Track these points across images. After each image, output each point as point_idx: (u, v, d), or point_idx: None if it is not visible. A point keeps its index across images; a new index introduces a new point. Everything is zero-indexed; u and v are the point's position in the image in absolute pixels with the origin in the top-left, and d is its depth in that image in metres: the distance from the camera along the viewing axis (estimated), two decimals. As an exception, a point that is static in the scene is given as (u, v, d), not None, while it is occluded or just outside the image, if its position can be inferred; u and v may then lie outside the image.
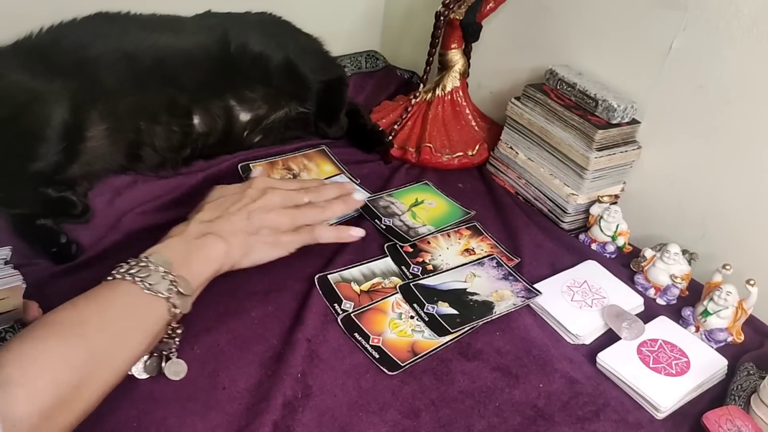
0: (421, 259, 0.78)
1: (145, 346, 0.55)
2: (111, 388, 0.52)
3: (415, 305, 0.71)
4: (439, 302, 0.71)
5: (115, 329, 0.52)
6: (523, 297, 0.74)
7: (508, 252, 0.82)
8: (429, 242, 0.81)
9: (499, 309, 0.71)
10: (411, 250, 0.80)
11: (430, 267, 0.77)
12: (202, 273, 0.61)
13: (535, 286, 0.76)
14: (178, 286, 0.57)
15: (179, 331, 0.60)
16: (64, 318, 0.51)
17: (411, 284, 0.73)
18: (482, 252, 0.81)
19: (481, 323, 0.69)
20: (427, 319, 0.69)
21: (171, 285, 0.56)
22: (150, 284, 0.55)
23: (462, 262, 0.79)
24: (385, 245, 0.80)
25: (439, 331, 0.68)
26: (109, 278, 0.55)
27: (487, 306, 0.72)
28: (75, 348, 0.48)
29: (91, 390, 0.49)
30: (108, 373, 0.51)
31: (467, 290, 0.74)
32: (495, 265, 0.78)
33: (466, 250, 0.81)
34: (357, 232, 0.76)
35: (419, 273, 0.76)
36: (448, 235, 0.83)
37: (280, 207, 0.71)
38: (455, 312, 0.70)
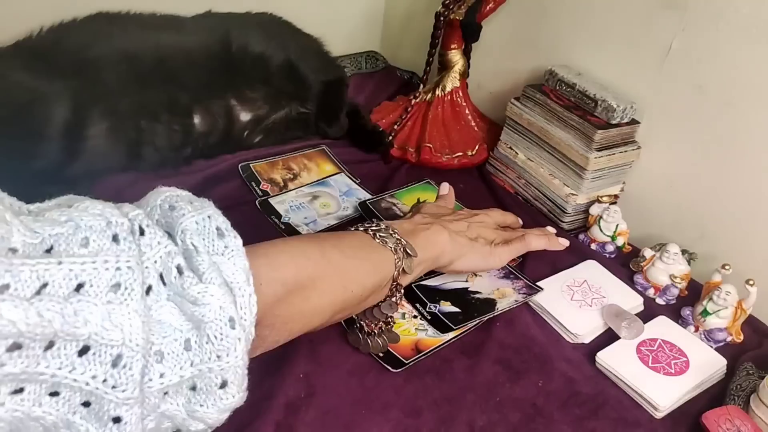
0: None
1: (373, 281, 0.58)
2: (341, 304, 0.55)
3: (417, 305, 0.71)
4: (441, 301, 0.71)
5: (348, 252, 0.56)
6: (524, 293, 0.74)
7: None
8: None
9: (501, 305, 0.72)
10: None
11: None
12: (425, 249, 0.64)
13: (541, 287, 0.76)
14: (405, 246, 0.60)
15: (402, 291, 0.63)
16: (305, 236, 0.61)
17: (413, 285, 0.73)
18: None
19: (485, 319, 0.70)
20: (429, 317, 0.69)
21: (398, 243, 0.60)
22: (381, 236, 0.60)
23: None
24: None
25: (442, 328, 0.68)
26: (351, 228, 0.61)
27: (490, 303, 0.72)
28: (312, 247, 0.53)
29: (325, 289, 0.53)
30: (339, 280, 0.54)
31: (469, 289, 0.74)
32: None
33: None
34: (564, 242, 0.81)
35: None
36: None
37: (493, 227, 0.75)
38: (458, 310, 0.71)
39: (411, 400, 0.60)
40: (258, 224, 0.82)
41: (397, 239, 0.61)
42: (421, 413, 0.59)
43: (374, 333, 0.63)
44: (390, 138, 1.02)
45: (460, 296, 0.73)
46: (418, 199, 0.90)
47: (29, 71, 0.78)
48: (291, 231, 0.81)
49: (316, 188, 0.90)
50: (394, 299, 0.62)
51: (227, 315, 0.40)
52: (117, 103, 0.82)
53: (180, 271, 0.40)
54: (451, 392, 0.62)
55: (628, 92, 0.87)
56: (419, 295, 0.72)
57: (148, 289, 0.39)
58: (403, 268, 0.60)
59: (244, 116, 0.94)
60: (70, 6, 0.86)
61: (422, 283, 0.74)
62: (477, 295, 0.73)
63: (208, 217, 0.44)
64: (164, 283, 0.40)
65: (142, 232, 0.41)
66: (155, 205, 0.45)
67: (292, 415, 0.57)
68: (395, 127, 1.03)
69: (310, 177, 0.93)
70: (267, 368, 0.61)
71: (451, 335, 0.68)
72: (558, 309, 0.73)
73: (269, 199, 0.86)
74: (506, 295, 0.74)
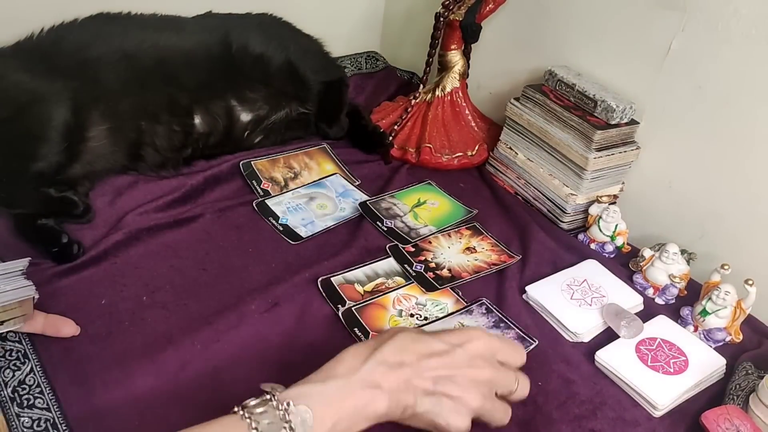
0: (423, 258, 0.78)
1: None
2: None
3: None
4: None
5: None
6: None
7: (509, 250, 0.82)
8: (430, 242, 0.82)
9: None
10: (413, 249, 0.80)
11: (432, 264, 0.77)
12: (350, 426, 0.49)
13: (535, 284, 0.76)
14: None
15: None
16: None
17: None
18: (483, 250, 0.81)
19: None
20: None
21: None
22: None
23: (465, 261, 0.79)
24: (387, 246, 0.80)
25: None
26: (237, 409, 0.47)
27: None
28: None
29: None
30: None
31: None
32: (484, 311, 0.72)
33: (468, 248, 0.82)
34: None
35: (422, 270, 0.76)
36: (449, 235, 0.84)
37: (480, 393, 0.53)
38: None
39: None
40: (257, 225, 0.82)
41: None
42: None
43: None
44: (390, 138, 1.02)
45: None
46: (419, 199, 0.91)
47: (29, 72, 0.78)
48: (289, 232, 0.81)
49: (312, 189, 0.90)
50: None
51: None
52: (117, 104, 0.82)
53: None
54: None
55: (628, 92, 0.87)
56: None
57: None
58: None
59: (245, 117, 0.95)
60: (71, 6, 0.86)
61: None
62: None
63: None
64: None
65: None
66: None
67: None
68: (395, 127, 1.03)
69: (311, 176, 0.93)
70: (267, 368, 0.61)
71: None
72: (557, 308, 0.73)
73: (266, 201, 0.86)
74: None
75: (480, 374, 0.53)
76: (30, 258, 0.63)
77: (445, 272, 0.77)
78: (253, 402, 0.46)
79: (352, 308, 0.69)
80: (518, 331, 0.69)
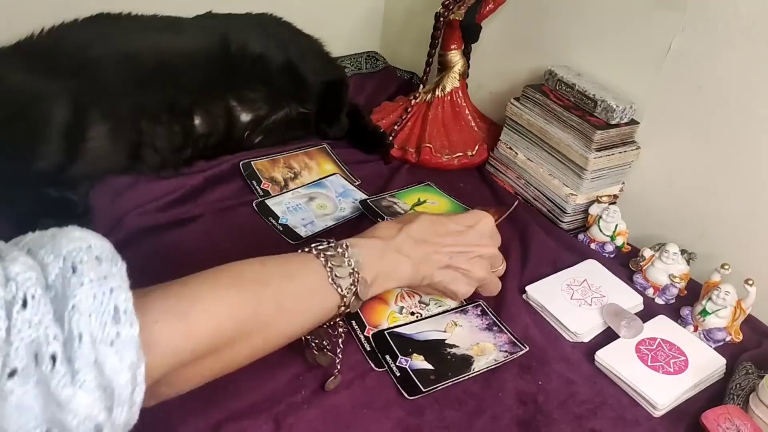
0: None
1: (306, 328, 0.56)
2: (258, 356, 0.52)
3: (387, 357, 0.64)
4: (414, 354, 0.65)
5: (288, 304, 0.52)
6: (506, 352, 0.67)
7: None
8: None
9: (479, 365, 0.64)
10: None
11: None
12: (383, 285, 0.61)
13: (535, 284, 0.76)
14: (359, 288, 0.56)
15: (340, 330, 0.60)
16: (250, 273, 0.52)
17: (385, 332, 0.67)
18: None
19: (458, 381, 0.63)
20: (398, 374, 0.62)
21: (352, 285, 0.56)
22: (336, 275, 0.55)
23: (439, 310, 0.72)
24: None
25: (410, 390, 0.61)
26: (306, 250, 0.57)
27: (466, 361, 0.65)
28: (246, 305, 0.49)
29: (243, 349, 0.50)
30: (263, 339, 0.51)
31: (446, 341, 0.67)
32: (479, 313, 0.72)
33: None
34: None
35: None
36: None
37: (484, 264, 0.67)
38: (430, 367, 0.63)
39: (413, 399, 0.60)
40: (257, 225, 0.82)
41: (354, 280, 0.56)
42: (424, 412, 0.59)
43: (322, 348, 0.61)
44: (390, 138, 1.02)
45: (435, 349, 0.66)
46: (419, 199, 0.91)
47: (29, 72, 0.78)
48: (289, 232, 0.81)
49: (312, 189, 0.90)
50: (328, 333, 0.60)
51: (93, 423, 0.36)
52: (117, 104, 0.82)
53: (54, 360, 0.35)
54: (452, 391, 0.62)
55: (628, 92, 0.87)
56: (391, 345, 0.65)
57: (13, 373, 0.34)
58: (349, 309, 0.57)
59: (245, 117, 0.95)
60: (71, 7, 0.86)
61: (396, 330, 0.67)
62: (453, 350, 0.66)
63: (110, 290, 0.38)
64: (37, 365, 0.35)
65: (24, 304, 0.35)
66: (54, 264, 0.38)
67: (293, 413, 0.57)
68: (395, 127, 1.04)
69: (311, 176, 0.93)
70: (267, 366, 0.61)
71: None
72: (557, 308, 0.73)
73: (266, 201, 0.86)
74: (486, 352, 0.66)
75: (486, 251, 0.66)
76: None
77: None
78: (315, 244, 0.57)
79: None
80: (510, 336, 0.69)
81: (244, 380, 0.60)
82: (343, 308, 0.56)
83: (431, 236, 0.64)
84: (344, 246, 0.58)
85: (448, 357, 0.65)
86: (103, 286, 0.38)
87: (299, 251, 0.57)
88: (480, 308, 0.72)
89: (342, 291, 0.55)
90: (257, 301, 0.50)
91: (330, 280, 0.55)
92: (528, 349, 0.67)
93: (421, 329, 0.68)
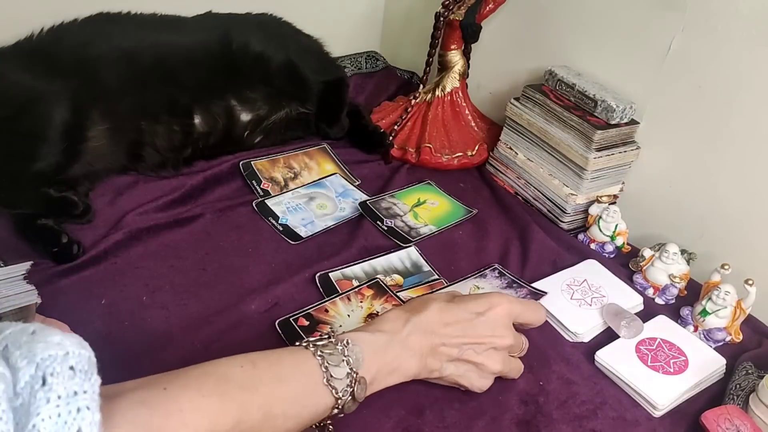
0: (318, 335, 0.57)
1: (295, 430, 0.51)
2: None
3: None
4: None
5: (276, 410, 0.48)
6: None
7: None
8: (327, 310, 0.69)
9: None
10: (307, 323, 0.67)
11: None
12: (384, 382, 0.56)
13: (535, 284, 0.76)
14: (356, 389, 0.52)
15: (331, 428, 0.54)
16: (237, 377, 0.47)
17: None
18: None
19: None
20: None
21: (349, 386, 0.51)
22: (332, 376, 0.50)
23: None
24: (277, 322, 0.67)
25: None
26: (304, 344, 0.52)
27: None
28: (229, 415, 0.45)
29: None
30: None
31: None
32: (497, 275, 0.77)
33: (370, 315, 0.69)
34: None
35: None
36: (348, 299, 0.71)
37: (498, 357, 0.60)
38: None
39: (413, 399, 0.60)
40: (257, 225, 0.82)
41: (351, 381, 0.51)
42: (424, 412, 0.59)
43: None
44: (390, 139, 1.02)
45: None
46: (419, 199, 0.91)
47: (29, 71, 0.78)
48: (289, 232, 0.81)
49: (312, 189, 0.90)
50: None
51: None
52: (117, 104, 0.82)
53: None
54: (453, 391, 0.62)
55: (628, 92, 0.87)
56: None
57: None
58: (342, 413, 0.52)
59: (245, 116, 0.95)
60: (71, 6, 0.86)
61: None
62: None
63: (77, 410, 0.35)
64: None
65: None
66: (25, 370, 0.36)
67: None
68: (395, 127, 1.04)
69: (311, 176, 0.93)
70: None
71: None
72: (558, 308, 0.73)
73: (266, 201, 0.86)
74: None
75: (500, 342, 0.59)
76: (32, 261, 0.63)
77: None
78: (313, 338, 0.53)
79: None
80: (529, 289, 0.75)
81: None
82: (336, 411, 0.51)
83: (439, 327, 0.58)
84: (345, 342, 0.53)
85: None
86: (70, 405, 0.35)
87: (296, 344, 0.52)
88: (497, 271, 0.77)
89: (337, 393, 0.51)
90: (242, 411, 0.45)
91: (325, 381, 0.50)
92: (548, 293, 0.73)
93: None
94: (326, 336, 0.53)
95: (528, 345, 0.64)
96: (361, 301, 0.70)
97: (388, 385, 0.56)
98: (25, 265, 0.62)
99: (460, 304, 0.60)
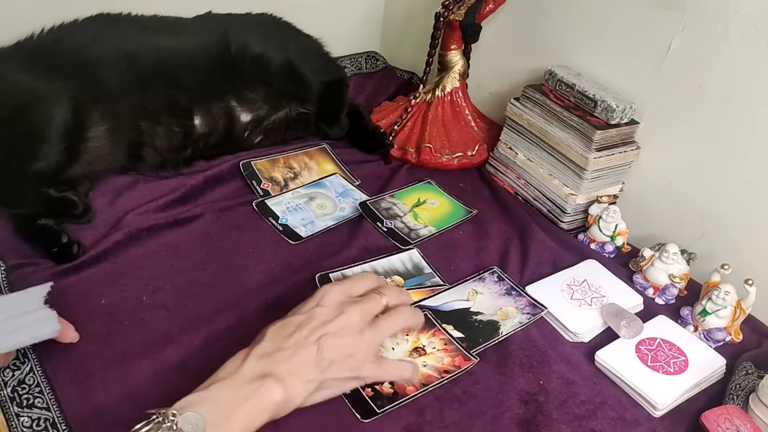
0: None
1: None
2: None
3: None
4: (444, 324, 0.68)
5: None
6: (528, 314, 0.72)
7: (464, 349, 0.66)
8: None
9: (505, 328, 0.69)
10: None
11: None
12: (248, 428, 0.50)
13: (535, 284, 0.76)
14: None
15: None
16: None
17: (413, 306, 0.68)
18: (435, 351, 0.66)
19: (489, 345, 0.67)
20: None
21: None
22: None
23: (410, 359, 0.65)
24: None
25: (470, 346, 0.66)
26: None
27: (493, 326, 0.69)
28: None
29: None
30: None
31: (470, 309, 0.71)
32: (496, 279, 0.76)
33: (416, 349, 0.66)
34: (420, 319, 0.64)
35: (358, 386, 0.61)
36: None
37: (358, 329, 0.56)
38: (461, 335, 0.67)
39: (413, 398, 0.61)
40: (257, 225, 0.82)
41: None
42: (424, 412, 0.60)
43: None
44: (390, 139, 1.02)
45: (462, 318, 0.70)
46: (419, 199, 0.91)
47: (29, 72, 0.78)
48: (289, 232, 0.81)
49: (312, 189, 0.90)
50: None
51: None
52: (117, 105, 0.82)
53: None
54: (452, 391, 0.62)
55: (628, 92, 0.87)
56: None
57: None
58: None
59: (245, 117, 0.95)
60: (71, 7, 0.86)
61: (422, 304, 0.71)
62: (479, 317, 0.70)
63: None
64: None
65: None
66: None
67: (292, 412, 0.56)
68: (395, 127, 1.03)
69: (311, 176, 0.93)
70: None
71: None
72: (558, 308, 0.73)
73: (266, 201, 0.86)
74: (509, 316, 0.71)
75: (348, 316, 0.56)
76: (52, 283, 0.61)
77: (386, 387, 0.61)
78: (138, 426, 0.46)
79: None
80: (528, 299, 0.73)
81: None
82: None
83: (282, 341, 0.53)
84: (170, 416, 0.46)
85: (476, 324, 0.69)
86: None
87: None
88: (496, 275, 0.77)
89: None
90: None
91: None
92: (548, 308, 0.72)
93: (445, 300, 0.72)
94: (154, 418, 0.46)
95: (400, 299, 0.60)
96: (407, 334, 0.67)
97: (259, 426, 0.50)
98: (45, 288, 0.60)
99: (294, 312, 0.57)
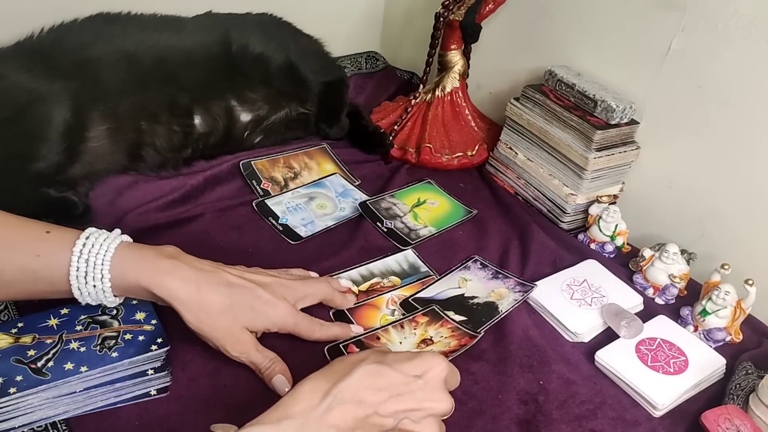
0: None
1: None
2: None
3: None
4: (445, 311, 0.71)
5: None
6: (520, 291, 0.74)
7: (467, 328, 0.69)
8: (378, 338, 0.67)
9: (503, 307, 0.72)
10: (357, 350, 0.64)
11: None
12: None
13: (535, 284, 0.76)
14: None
15: None
16: None
17: (409, 299, 0.72)
18: (442, 339, 0.67)
19: (492, 324, 0.70)
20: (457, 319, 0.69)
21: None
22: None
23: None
24: (326, 348, 0.65)
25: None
26: None
27: (491, 306, 0.72)
28: None
29: None
30: None
31: (465, 295, 0.74)
32: (480, 266, 0.79)
33: (424, 340, 0.67)
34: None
35: None
36: (402, 326, 0.68)
37: (437, 423, 0.53)
38: (464, 318, 0.70)
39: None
40: (257, 225, 0.82)
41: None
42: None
43: None
44: (390, 139, 1.02)
45: (460, 304, 0.72)
46: (419, 199, 0.91)
47: (29, 72, 0.78)
48: (289, 232, 0.81)
49: (312, 189, 0.90)
50: None
51: None
52: (117, 104, 0.82)
53: None
54: (453, 391, 0.62)
55: (628, 92, 0.87)
56: (417, 307, 0.71)
57: None
58: None
59: (245, 117, 0.95)
60: (71, 6, 0.86)
61: (418, 296, 0.73)
62: (476, 300, 0.73)
63: None
64: None
65: None
66: None
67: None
68: (395, 127, 1.03)
69: (311, 176, 0.93)
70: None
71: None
72: (557, 308, 0.73)
73: (266, 201, 0.86)
74: (503, 296, 0.74)
75: (439, 408, 0.52)
76: (168, 347, 0.58)
77: None
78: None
79: (344, 309, 0.70)
80: (515, 280, 0.76)
81: (243, 380, 0.60)
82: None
83: (369, 394, 0.49)
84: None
85: (474, 306, 0.72)
86: None
87: None
88: (479, 262, 0.79)
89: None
90: None
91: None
92: (537, 285, 0.75)
93: (438, 290, 0.74)
94: None
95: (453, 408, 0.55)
96: (415, 328, 0.68)
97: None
98: (162, 352, 0.58)
99: (394, 365, 0.51)
